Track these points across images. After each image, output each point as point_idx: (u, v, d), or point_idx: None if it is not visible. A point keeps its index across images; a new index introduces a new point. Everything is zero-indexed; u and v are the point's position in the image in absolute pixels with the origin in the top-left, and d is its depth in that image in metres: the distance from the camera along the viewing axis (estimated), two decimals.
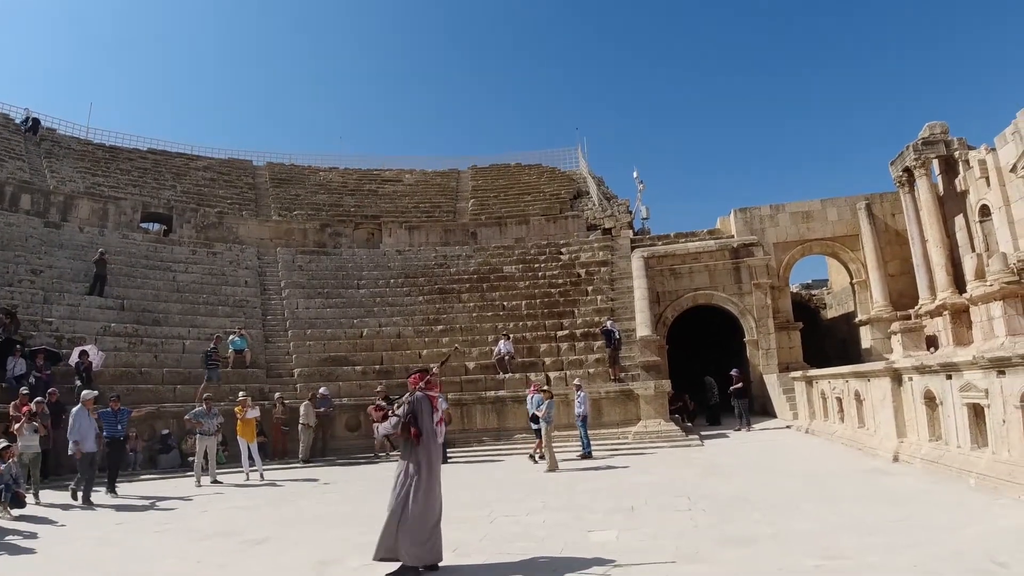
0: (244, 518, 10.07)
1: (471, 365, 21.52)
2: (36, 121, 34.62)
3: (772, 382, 22.90)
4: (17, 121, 34.04)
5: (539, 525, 8.25)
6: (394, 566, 6.24)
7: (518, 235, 31.00)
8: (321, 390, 18.32)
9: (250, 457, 14.89)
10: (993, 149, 19.84)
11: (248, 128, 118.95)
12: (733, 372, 21.79)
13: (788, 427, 19.34)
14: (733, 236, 26.89)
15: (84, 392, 12.80)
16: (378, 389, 18.03)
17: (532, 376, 19.93)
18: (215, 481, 14.20)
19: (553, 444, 14.69)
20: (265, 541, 8.24)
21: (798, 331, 25.44)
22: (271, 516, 10.15)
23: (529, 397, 15.41)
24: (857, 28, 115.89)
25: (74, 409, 12.11)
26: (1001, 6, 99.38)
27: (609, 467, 13.72)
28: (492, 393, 19.57)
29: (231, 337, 20.69)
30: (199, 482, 13.98)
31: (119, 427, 12.93)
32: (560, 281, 26.56)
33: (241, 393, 16.10)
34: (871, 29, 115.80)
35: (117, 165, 33.65)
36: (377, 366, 21.50)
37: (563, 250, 28.87)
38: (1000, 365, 8.13)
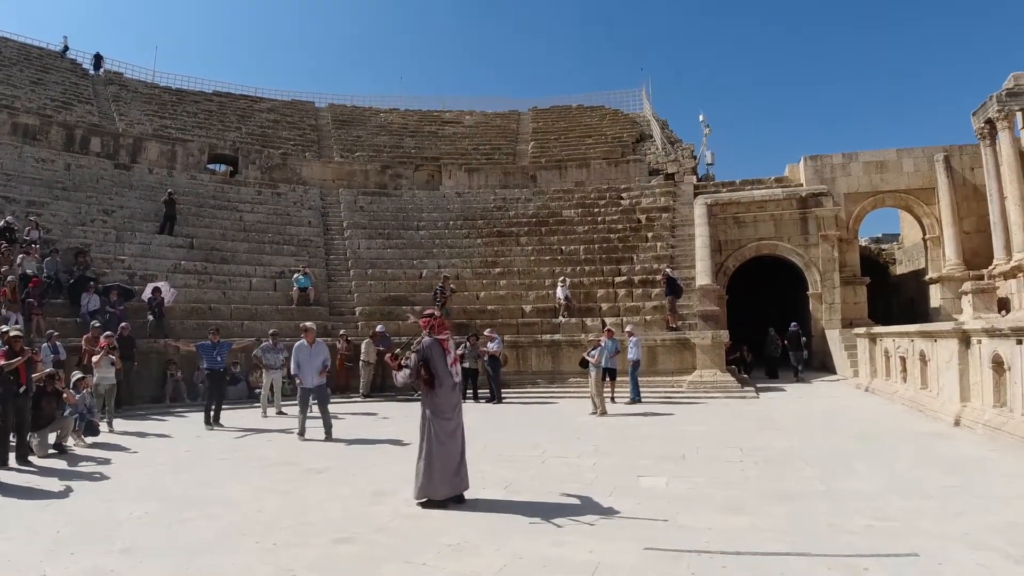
0: (306, 448, 10.52)
1: (527, 308, 21.70)
2: (98, 57, 35.69)
3: (834, 337, 22.42)
4: (58, 51, 35.21)
5: (589, 468, 8.41)
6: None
7: (578, 179, 30.65)
8: (379, 328, 18.77)
9: None
10: None
11: (309, 69, 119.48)
12: (792, 327, 21.58)
13: (848, 384, 19.01)
14: (802, 185, 26.04)
15: (306, 324, 12.59)
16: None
17: (588, 321, 20.05)
18: (280, 412, 14.83)
19: (605, 390, 14.99)
20: (325, 471, 8.62)
21: (864, 286, 24.67)
22: (332, 447, 10.60)
23: (604, 342, 15.22)
24: None
25: (297, 343, 11.96)
26: None
27: (661, 415, 13.78)
28: (548, 337, 19.78)
29: (296, 275, 21.29)
30: (265, 413, 14.65)
31: (219, 359, 13.38)
32: (620, 227, 26.29)
33: None
34: None
35: (183, 108, 34.53)
36: (440, 305, 21.84)
37: (624, 195, 28.46)
38: None
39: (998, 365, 9.90)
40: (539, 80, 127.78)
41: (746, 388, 17.60)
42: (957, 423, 10.75)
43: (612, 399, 15.69)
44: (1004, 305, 19.43)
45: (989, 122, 22.11)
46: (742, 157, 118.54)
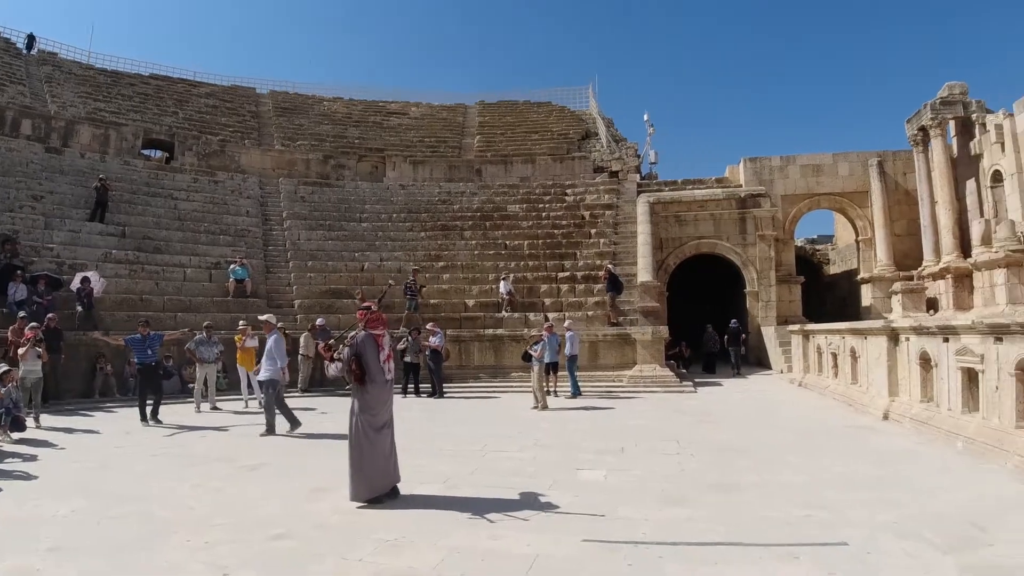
0: (241, 445, 10.24)
1: (470, 303, 21.61)
2: (31, 37, 34.18)
3: (769, 334, 23.03)
4: None
5: (530, 462, 8.41)
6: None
7: (523, 174, 30.68)
8: (318, 321, 18.40)
9: (249, 385, 15.07)
10: (1011, 114, 19.38)
11: (252, 54, 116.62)
12: (732, 323, 22.14)
13: (782, 379, 19.53)
14: (741, 186, 26.61)
15: (269, 316, 12.18)
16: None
17: (531, 316, 20.08)
18: (214, 408, 14.40)
19: (548, 384, 15.07)
20: (261, 467, 8.39)
21: (799, 285, 25.42)
22: (268, 443, 10.32)
23: (546, 337, 15.21)
24: None
25: (275, 335, 11.43)
26: None
27: (602, 409, 13.90)
28: (490, 331, 19.73)
29: (232, 266, 20.71)
30: (199, 408, 14.20)
31: (150, 352, 12.80)
32: (564, 223, 26.41)
33: (241, 322, 16.18)
34: None
35: (119, 90, 33.29)
36: (377, 299, 21.54)
37: (568, 191, 28.60)
38: (998, 332, 8.09)
39: (925, 362, 10.27)
40: (487, 75, 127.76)
41: (684, 383, 17.90)
42: (886, 417, 11.12)
43: (555, 393, 15.82)
44: (932, 305, 20.24)
45: (923, 129, 22.95)
46: (684, 157, 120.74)
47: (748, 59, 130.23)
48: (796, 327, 19.32)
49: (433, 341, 16.88)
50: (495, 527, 5.64)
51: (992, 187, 20.75)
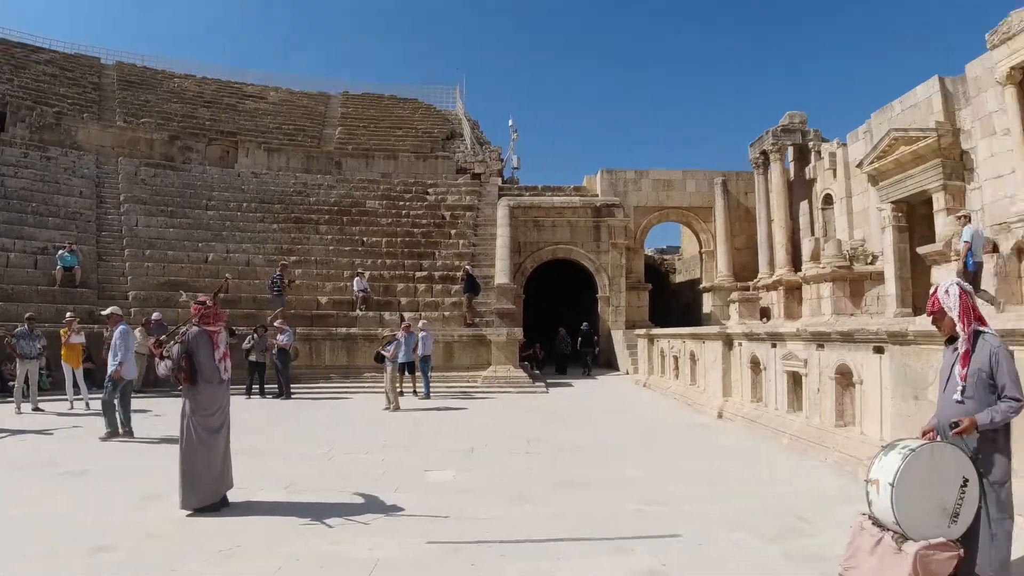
0: (65, 449, 9.33)
1: (323, 300, 20.92)
2: None
3: (618, 338, 23.99)
4: None
5: (378, 463, 8.22)
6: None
7: (385, 170, 30.18)
8: (154, 315, 17.02)
9: (75, 384, 13.77)
10: (844, 144, 21.40)
11: (99, 19, 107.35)
12: (584, 326, 22.92)
13: (628, 380, 20.37)
14: (598, 195, 27.59)
15: (114, 309, 11.35)
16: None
17: (387, 315, 19.75)
18: (36, 409, 13.03)
19: (406, 384, 14.93)
20: (86, 473, 7.69)
21: (647, 292, 26.77)
22: (94, 447, 9.46)
23: (401, 336, 15.00)
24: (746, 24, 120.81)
25: (122, 327, 10.41)
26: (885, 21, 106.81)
27: (455, 409, 13.87)
28: (343, 330, 19.17)
29: (60, 252, 18.85)
30: (19, 409, 12.83)
31: None
32: (424, 222, 26.21)
33: (68, 315, 14.72)
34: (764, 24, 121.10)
35: None
36: (221, 294, 20.29)
37: (430, 190, 28.43)
38: (820, 339, 8.82)
39: (755, 365, 11.04)
40: (352, 65, 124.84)
41: (537, 384, 18.25)
42: (720, 416, 11.83)
43: (415, 392, 15.73)
44: (766, 313, 21.93)
45: (764, 153, 24.89)
46: (546, 164, 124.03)
47: (610, 77, 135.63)
48: (643, 331, 20.25)
49: (280, 339, 16.12)
50: (336, 532, 5.45)
51: (823, 209, 22.84)
